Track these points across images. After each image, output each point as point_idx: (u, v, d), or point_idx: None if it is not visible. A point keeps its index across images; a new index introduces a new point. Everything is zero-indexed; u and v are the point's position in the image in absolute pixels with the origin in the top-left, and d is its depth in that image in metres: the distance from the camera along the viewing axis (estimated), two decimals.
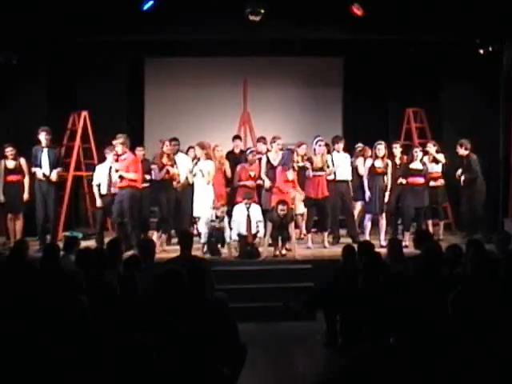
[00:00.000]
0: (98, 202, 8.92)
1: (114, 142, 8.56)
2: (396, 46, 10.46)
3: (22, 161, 9.03)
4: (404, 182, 9.08)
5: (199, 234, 8.49)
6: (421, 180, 9.11)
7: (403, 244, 8.28)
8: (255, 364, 5.22)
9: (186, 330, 3.79)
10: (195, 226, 8.96)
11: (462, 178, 9.20)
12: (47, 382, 3.20)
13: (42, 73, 10.04)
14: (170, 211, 8.93)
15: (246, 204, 8.37)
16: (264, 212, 8.51)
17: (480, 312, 3.41)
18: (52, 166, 8.92)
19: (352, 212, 9.44)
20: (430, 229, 9.30)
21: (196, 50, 10.77)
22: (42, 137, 8.86)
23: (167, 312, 4.00)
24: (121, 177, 8.50)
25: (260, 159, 9.13)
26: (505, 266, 4.81)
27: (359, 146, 9.83)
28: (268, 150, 9.26)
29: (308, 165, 8.88)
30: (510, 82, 9.54)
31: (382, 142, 9.00)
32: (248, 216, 8.33)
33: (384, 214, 8.96)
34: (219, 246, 8.39)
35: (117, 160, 8.61)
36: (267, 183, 8.89)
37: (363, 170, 9.21)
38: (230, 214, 8.52)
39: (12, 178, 9.02)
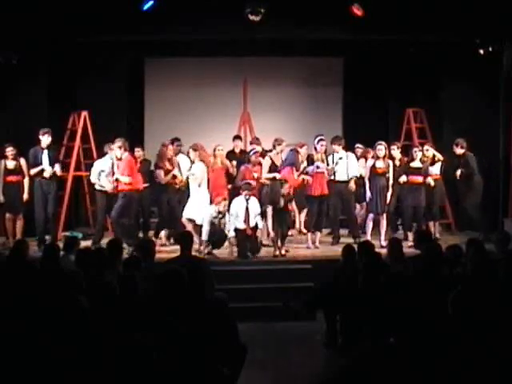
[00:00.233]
0: (109, 187, 8.84)
1: (112, 147, 8.64)
2: (396, 46, 10.45)
3: (22, 161, 9.03)
4: (405, 179, 9.09)
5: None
6: (420, 179, 9.14)
7: (408, 244, 8.35)
8: (255, 364, 5.21)
9: (185, 330, 3.79)
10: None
11: (458, 172, 9.28)
12: (47, 382, 3.20)
13: (42, 73, 10.03)
14: (175, 212, 8.92)
15: (245, 196, 8.36)
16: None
17: (480, 312, 3.41)
18: (52, 166, 8.96)
19: (353, 212, 9.45)
20: (431, 228, 9.33)
21: (196, 50, 10.76)
22: (45, 138, 8.88)
23: (167, 312, 4.00)
24: (117, 180, 8.57)
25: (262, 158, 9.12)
26: (504, 266, 4.81)
27: (358, 146, 9.84)
28: (264, 150, 9.26)
29: (322, 165, 8.90)
30: (510, 81, 9.54)
31: (383, 143, 9.03)
32: (247, 208, 8.33)
33: (385, 215, 8.98)
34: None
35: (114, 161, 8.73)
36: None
37: (364, 172, 9.23)
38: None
39: (12, 178, 9.02)
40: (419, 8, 8.96)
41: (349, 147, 9.65)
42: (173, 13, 8.93)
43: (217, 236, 8.30)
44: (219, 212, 8.27)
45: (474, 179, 9.27)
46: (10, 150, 8.94)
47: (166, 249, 8.69)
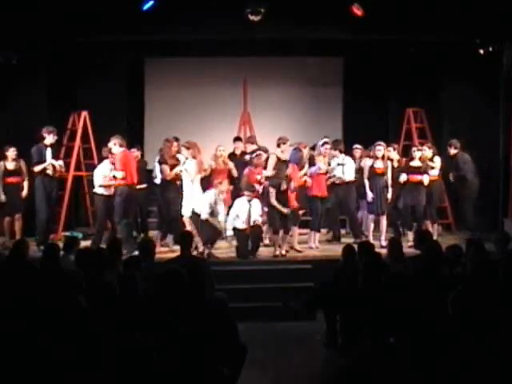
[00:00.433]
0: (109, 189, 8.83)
1: (109, 144, 8.64)
2: (396, 46, 10.46)
3: (22, 163, 9.06)
4: (406, 177, 9.08)
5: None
6: (419, 177, 9.13)
7: (408, 244, 8.34)
8: (255, 364, 5.21)
9: (186, 329, 3.79)
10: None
11: (451, 175, 9.43)
12: (47, 382, 3.20)
13: (42, 73, 10.04)
14: (175, 212, 8.91)
15: (247, 196, 8.36)
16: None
17: (480, 312, 3.41)
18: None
19: (353, 211, 9.45)
20: (430, 229, 9.31)
21: (196, 50, 10.77)
22: (50, 137, 8.86)
23: (167, 312, 4.00)
24: (114, 176, 8.57)
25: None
26: (504, 266, 4.81)
27: (357, 147, 9.82)
28: (259, 148, 9.27)
29: (324, 167, 8.91)
30: (510, 81, 9.55)
31: (382, 143, 9.04)
32: (249, 210, 8.32)
33: (385, 215, 8.98)
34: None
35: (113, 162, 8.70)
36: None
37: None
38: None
39: (12, 179, 9.06)
40: (419, 8, 8.96)
41: (349, 147, 9.65)
42: (173, 13, 8.94)
43: (210, 233, 8.32)
44: (220, 192, 8.30)
45: (468, 180, 9.29)
46: (12, 151, 8.98)
47: (166, 249, 8.69)
